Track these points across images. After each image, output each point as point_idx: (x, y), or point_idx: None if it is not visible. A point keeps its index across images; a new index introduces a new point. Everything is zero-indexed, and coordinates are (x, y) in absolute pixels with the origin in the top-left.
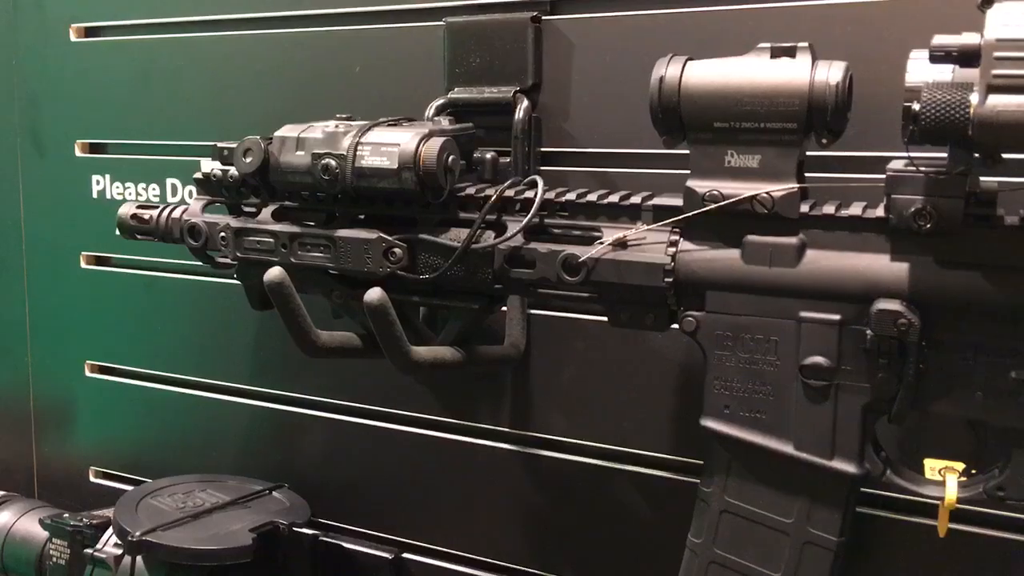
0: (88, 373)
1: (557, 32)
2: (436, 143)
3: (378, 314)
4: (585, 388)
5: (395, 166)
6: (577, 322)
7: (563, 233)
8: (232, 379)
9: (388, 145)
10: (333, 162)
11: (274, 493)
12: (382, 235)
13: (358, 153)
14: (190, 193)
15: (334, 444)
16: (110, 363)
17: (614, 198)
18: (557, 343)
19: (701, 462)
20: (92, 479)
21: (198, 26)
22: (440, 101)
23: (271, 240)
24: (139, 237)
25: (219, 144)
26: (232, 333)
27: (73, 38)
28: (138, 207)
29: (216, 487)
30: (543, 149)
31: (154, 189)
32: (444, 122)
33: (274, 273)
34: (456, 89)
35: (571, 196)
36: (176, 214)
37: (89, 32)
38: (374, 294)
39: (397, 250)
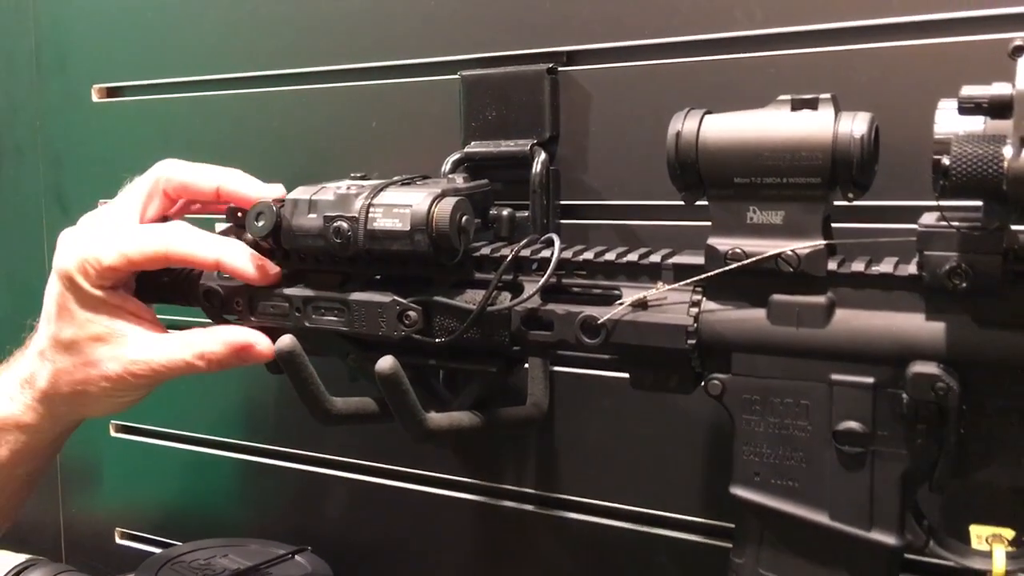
0: (113, 433)
1: (574, 83)
2: (449, 203)
3: (390, 383)
4: (612, 448)
5: (407, 228)
6: (603, 380)
7: (582, 293)
8: (256, 439)
9: (400, 207)
10: (345, 225)
11: (296, 557)
12: (396, 298)
13: (370, 215)
14: None
15: (356, 505)
16: (134, 423)
17: (633, 257)
18: (582, 402)
19: (728, 524)
20: (118, 541)
21: (215, 84)
22: (456, 156)
23: (285, 304)
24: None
25: (232, 206)
26: (257, 392)
27: (95, 99)
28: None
29: (238, 552)
30: (562, 202)
31: None
32: (459, 180)
33: (285, 342)
34: (472, 143)
35: (589, 255)
36: (192, 279)
37: (111, 92)
38: (385, 363)
39: (412, 313)
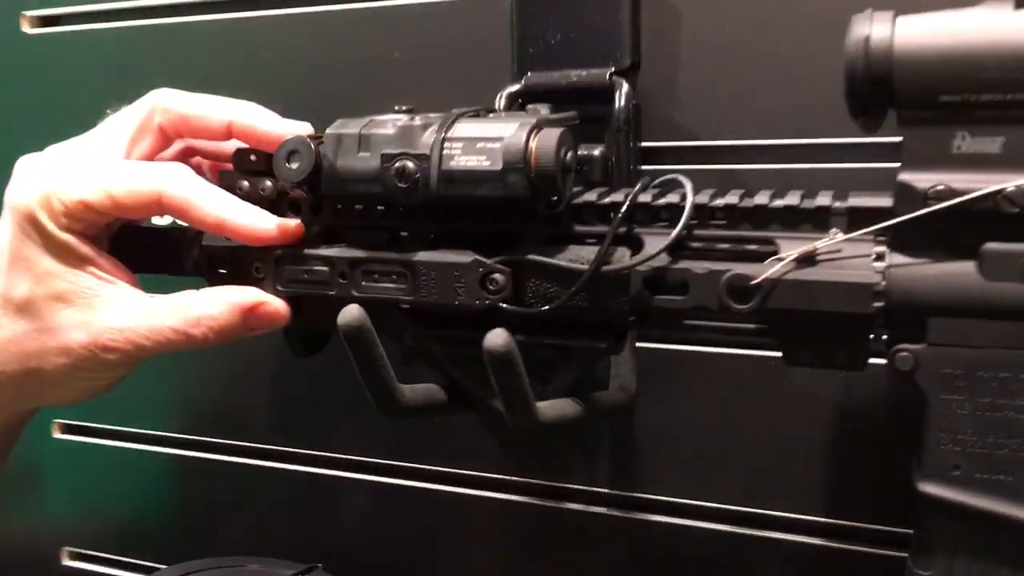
0: (56, 434)
1: None
2: (552, 135)
3: (504, 363)
4: (706, 437)
5: (498, 167)
6: (694, 356)
7: (714, 248)
8: (244, 437)
9: (486, 140)
10: (411, 164)
11: None
12: (478, 258)
13: (445, 152)
14: None
15: (377, 513)
16: (83, 421)
17: (792, 200)
18: (669, 382)
19: (853, 524)
20: (66, 562)
21: (185, 9)
22: (514, 87)
23: (325, 268)
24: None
25: (241, 147)
26: (247, 378)
27: (26, 29)
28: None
29: (234, 574)
30: (643, 144)
31: None
32: (543, 110)
33: (353, 313)
34: (530, 73)
35: (731, 199)
36: (189, 237)
37: (45, 21)
38: (499, 339)
39: (498, 276)
